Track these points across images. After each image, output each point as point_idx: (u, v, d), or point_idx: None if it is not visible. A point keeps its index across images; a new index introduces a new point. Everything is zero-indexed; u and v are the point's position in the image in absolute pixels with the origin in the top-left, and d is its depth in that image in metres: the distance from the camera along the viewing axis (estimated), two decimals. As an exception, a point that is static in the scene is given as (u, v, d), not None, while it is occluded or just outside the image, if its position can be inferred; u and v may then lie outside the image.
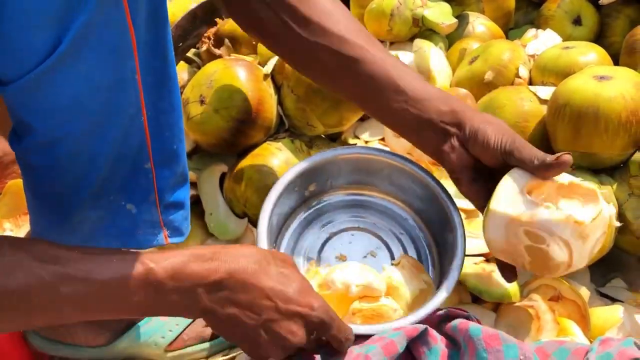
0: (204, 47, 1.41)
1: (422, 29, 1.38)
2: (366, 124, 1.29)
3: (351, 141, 1.24)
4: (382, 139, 1.26)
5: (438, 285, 0.96)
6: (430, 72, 1.31)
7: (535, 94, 1.18)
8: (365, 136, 1.27)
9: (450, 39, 1.42)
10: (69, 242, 0.85)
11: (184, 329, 1.00)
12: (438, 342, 0.87)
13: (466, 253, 0.96)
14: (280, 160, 1.20)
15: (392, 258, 1.05)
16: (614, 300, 1.11)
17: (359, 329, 0.87)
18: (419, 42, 1.34)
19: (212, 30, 1.42)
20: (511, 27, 1.58)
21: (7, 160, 1.24)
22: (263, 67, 1.26)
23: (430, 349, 0.86)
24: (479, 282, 1.04)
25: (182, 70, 1.41)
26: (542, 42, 1.37)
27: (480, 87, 1.27)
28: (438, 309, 0.91)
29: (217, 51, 1.39)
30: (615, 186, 1.10)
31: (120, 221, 0.87)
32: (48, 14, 0.69)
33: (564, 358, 0.84)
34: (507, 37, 1.50)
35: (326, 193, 1.08)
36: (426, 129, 0.94)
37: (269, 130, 1.24)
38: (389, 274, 0.97)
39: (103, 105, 0.77)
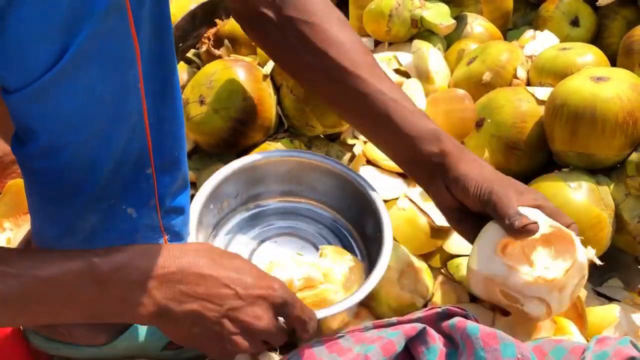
0: (204, 48, 1.42)
1: (421, 30, 1.39)
2: (365, 125, 1.29)
3: (350, 141, 1.24)
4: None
5: (374, 262, 0.98)
6: (428, 72, 1.31)
7: (533, 95, 1.19)
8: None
9: (449, 40, 1.42)
10: (69, 244, 0.85)
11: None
12: (436, 341, 0.87)
13: (464, 253, 0.97)
14: (280, 160, 1.20)
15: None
16: (610, 299, 1.12)
17: (318, 313, 0.88)
18: (417, 43, 1.35)
19: (212, 30, 1.42)
20: (509, 28, 1.58)
21: (7, 160, 1.24)
22: (262, 67, 1.26)
23: (429, 348, 0.86)
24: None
25: (181, 71, 1.41)
26: (539, 43, 1.37)
27: (478, 87, 1.27)
28: (437, 307, 0.92)
29: (216, 52, 1.39)
30: (612, 186, 1.11)
31: (120, 225, 0.86)
32: (53, 26, 0.69)
33: (560, 357, 0.85)
34: (505, 38, 1.51)
35: (241, 205, 1.11)
36: (415, 166, 0.96)
37: (268, 130, 1.25)
38: (316, 264, 0.99)
39: (106, 113, 0.77)
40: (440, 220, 1.06)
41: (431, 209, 1.08)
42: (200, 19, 1.43)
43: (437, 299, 1.05)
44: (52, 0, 0.68)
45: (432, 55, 1.33)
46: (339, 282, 0.98)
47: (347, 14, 1.54)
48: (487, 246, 0.89)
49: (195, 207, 0.99)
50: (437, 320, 0.91)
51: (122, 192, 0.84)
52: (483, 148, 1.19)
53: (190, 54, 1.46)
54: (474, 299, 1.07)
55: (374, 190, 1.03)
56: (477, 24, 1.45)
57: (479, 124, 1.20)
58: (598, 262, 0.91)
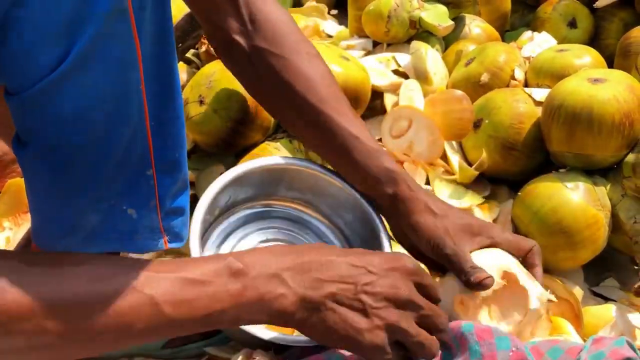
0: (203, 48, 1.42)
1: (419, 31, 1.39)
2: (363, 125, 1.30)
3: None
4: (380, 140, 1.27)
5: None
6: (427, 73, 1.32)
7: (530, 96, 1.20)
8: (362, 137, 1.27)
9: (447, 41, 1.43)
10: (69, 243, 0.86)
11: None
12: None
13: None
14: (279, 160, 1.20)
15: None
16: (607, 299, 1.12)
17: None
18: (416, 44, 1.35)
19: (211, 31, 1.42)
20: (507, 30, 1.59)
21: (7, 159, 1.24)
22: (261, 68, 1.27)
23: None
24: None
25: (181, 71, 1.41)
26: (537, 44, 1.38)
27: (476, 88, 1.28)
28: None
29: (216, 52, 1.39)
30: (608, 187, 1.12)
31: (120, 225, 0.87)
32: (56, 28, 0.69)
33: (557, 357, 0.85)
34: (503, 40, 1.52)
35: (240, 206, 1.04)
36: (377, 202, 0.97)
37: (268, 130, 1.25)
38: None
39: (107, 115, 0.77)
40: None
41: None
42: (199, 19, 1.43)
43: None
44: (55, 3, 0.68)
45: (430, 56, 1.34)
46: None
47: (346, 15, 1.55)
48: (446, 301, 0.88)
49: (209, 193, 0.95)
50: None
51: (122, 192, 0.84)
52: (480, 149, 1.20)
53: (189, 54, 1.46)
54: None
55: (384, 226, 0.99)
56: (475, 26, 1.46)
57: (477, 125, 1.21)
58: (554, 299, 0.92)
